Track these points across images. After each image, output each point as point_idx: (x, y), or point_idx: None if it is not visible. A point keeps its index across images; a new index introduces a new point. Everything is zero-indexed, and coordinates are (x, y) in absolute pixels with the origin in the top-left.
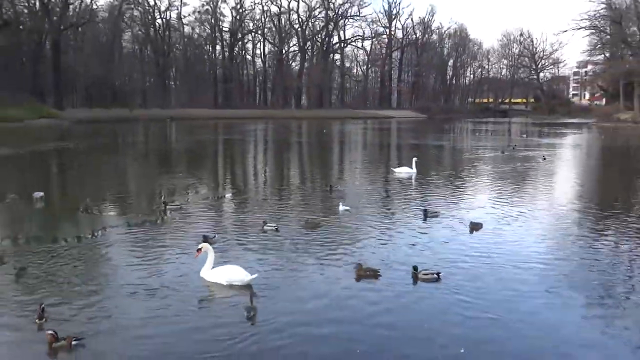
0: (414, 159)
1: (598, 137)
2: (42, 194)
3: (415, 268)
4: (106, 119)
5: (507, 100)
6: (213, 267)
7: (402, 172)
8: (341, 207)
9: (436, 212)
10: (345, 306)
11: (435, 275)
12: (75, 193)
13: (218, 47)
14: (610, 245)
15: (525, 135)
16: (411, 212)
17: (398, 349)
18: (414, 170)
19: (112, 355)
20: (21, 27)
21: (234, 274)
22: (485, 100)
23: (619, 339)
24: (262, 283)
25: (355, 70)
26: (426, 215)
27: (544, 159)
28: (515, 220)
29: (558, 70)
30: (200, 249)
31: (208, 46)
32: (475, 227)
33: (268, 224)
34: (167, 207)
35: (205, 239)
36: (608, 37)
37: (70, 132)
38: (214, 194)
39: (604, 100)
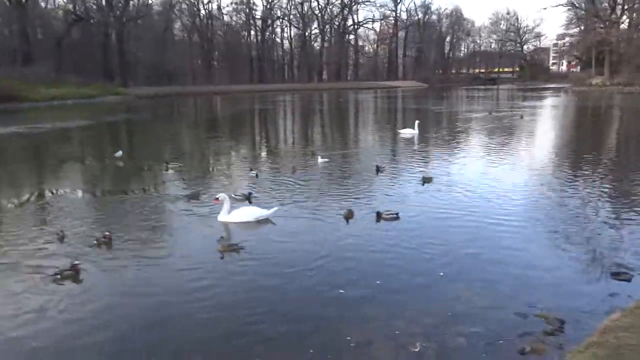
0: (417, 122)
1: (572, 99)
2: (121, 153)
3: (378, 213)
4: (163, 94)
5: (496, 70)
6: (230, 212)
7: (406, 132)
8: (319, 160)
9: (383, 166)
10: (333, 237)
11: (395, 215)
12: (144, 154)
13: (252, 32)
14: (577, 190)
15: (510, 100)
16: (406, 170)
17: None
18: (417, 131)
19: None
20: (91, 21)
21: (249, 213)
22: (477, 70)
23: (572, 265)
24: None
25: (367, 48)
26: (378, 170)
27: (522, 117)
28: (495, 168)
29: (540, 43)
30: (217, 198)
31: (244, 32)
32: (427, 180)
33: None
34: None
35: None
36: (583, 12)
37: (134, 106)
38: (252, 153)
39: (578, 67)
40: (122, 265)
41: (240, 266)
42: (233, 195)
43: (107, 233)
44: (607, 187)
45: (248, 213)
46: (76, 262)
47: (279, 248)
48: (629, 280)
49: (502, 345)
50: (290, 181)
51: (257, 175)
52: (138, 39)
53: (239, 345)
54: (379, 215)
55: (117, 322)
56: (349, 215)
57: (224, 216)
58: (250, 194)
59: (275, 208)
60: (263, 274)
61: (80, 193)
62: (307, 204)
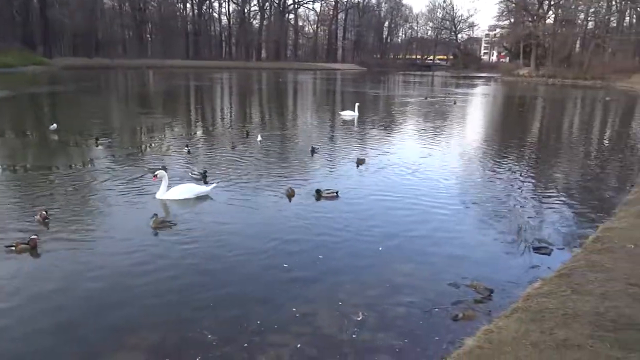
0: (356, 104)
1: (501, 88)
2: (56, 126)
3: (318, 191)
4: (90, 66)
5: (431, 57)
6: (168, 189)
7: (347, 114)
8: (259, 138)
9: (318, 147)
10: (275, 215)
11: (335, 193)
12: (72, 128)
13: (188, 5)
14: (504, 173)
15: (444, 86)
16: (346, 151)
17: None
18: (356, 113)
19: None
20: None
21: (187, 190)
22: (413, 57)
23: (499, 241)
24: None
25: (307, 29)
26: (313, 151)
27: (455, 103)
28: (429, 151)
29: (473, 33)
30: (156, 175)
31: (179, 4)
32: (360, 161)
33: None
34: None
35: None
36: (513, 5)
37: (59, 78)
38: (187, 130)
39: (508, 58)
40: (56, 248)
41: (181, 245)
42: (190, 175)
43: (34, 236)
44: (530, 170)
45: (187, 190)
46: (34, 236)
47: (220, 226)
48: (548, 254)
49: (437, 312)
50: (228, 159)
51: (189, 151)
52: (64, 4)
53: (185, 321)
54: (318, 193)
55: (55, 302)
56: (290, 194)
57: (162, 194)
58: (205, 172)
59: (214, 184)
60: (205, 252)
61: (1, 169)
62: (246, 182)
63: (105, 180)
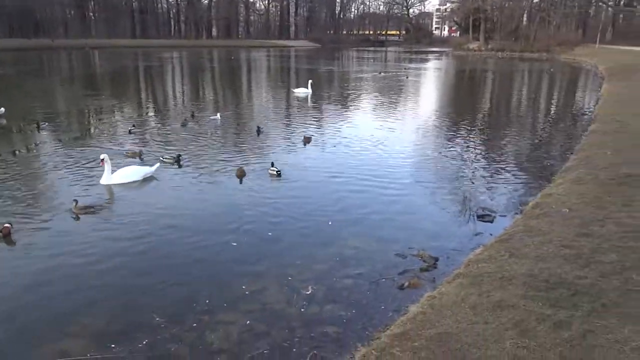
0: (310, 81)
1: (452, 62)
2: (3, 110)
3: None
4: (29, 47)
5: (384, 32)
6: (113, 173)
7: (300, 92)
8: (218, 116)
9: (261, 127)
10: (223, 195)
11: (277, 172)
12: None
13: None
14: (454, 147)
15: (398, 61)
16: (299, 129)
17: (267, 225)
18: (310, 90)
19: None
20: None
21: (134, 172)
22: (366, 32)
23: (446, 212)
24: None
25: (258, 5)
26: (259, 131)
27: (407, 77)
28: (382, 126)
29: (424, 7)
30: (103, 160)
31: None
32: (307, 139)
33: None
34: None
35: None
36: None
37: None
38: (136, 112)
39: (458, 33)
40: None
41: (128, 229)
42: (161, 159)
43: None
44: (479, 142)
45: (133, 172)
46: (7, 224)
47: (167, 207)
48: (491, 222)
49: (384, 282)
50: (176, 139)
51: (130, 131)
52: None
53: (131, 305)
54: (278, 173)
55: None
56: (240, 174)
57: (107, 178)
58: (179, 156)
59: (157, 164)
60: (151, 235)
61: None
62: (192, 162)
63: (49, 166)
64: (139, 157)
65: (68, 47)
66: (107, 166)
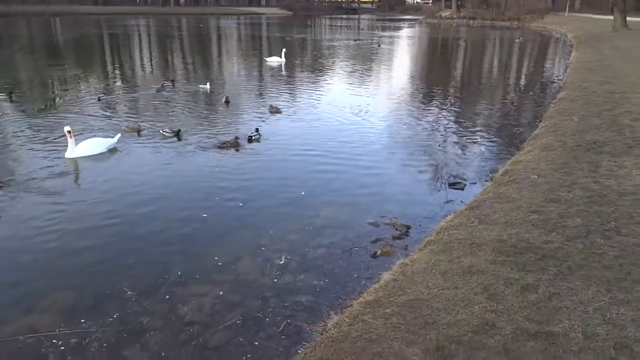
0: (283, 50)
1: (425, 30)
2: None
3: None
4: None
5: (357, 0)
6: (76, 146)
7: (273, 61)
8: (207, 85)
9: (229, 97)
10: (192, 167)
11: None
12: None
13: None
14: (427, 116)
15: (371, 29)
16: (268, 99)
17: (238, 196)
18: (283, 59)
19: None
20: None
21: (98, 144)
22: (339, 0)
23: (418, 181)
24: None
25: None
26: (227, 102)
27: (379, 46)
28: (354, 96)
29: None
30: (70, 131)
31: None
32: (274, 109)
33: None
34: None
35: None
36: None
37: None
38: (103, 82)
39: (431, 1)
40: None
41: (94, 203)
42: (162, 132)
43: None
44: (451, 111)
45: (97, 144)
46: None
47: (133, 179)
48: (462, 189)
49: (357, 251)
50: (144, 110)
51: (99, 98)
52: None
53: (101, 280)
54: (250, 139)
55: None
56: (233, 144)
57: (71, 152)
58: (179, 130)
59: (119, 135)
60: (118, 207)
61: None
62: (158, 133)
63: (13, 139)
64: (138, 133)
65: (27, 14)
66: (71, 139)
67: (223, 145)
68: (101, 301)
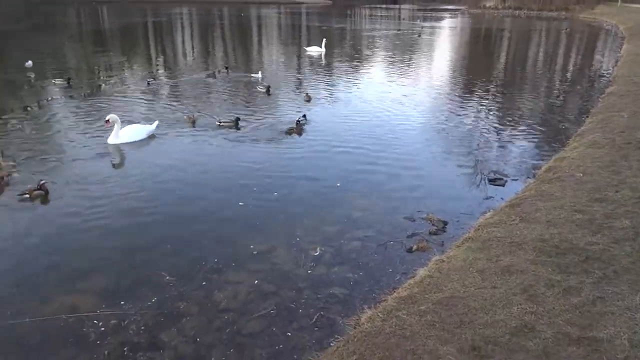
0: (323, 40)
1: (468, 21)
2: (31, 63)
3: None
4: (34, 2)
5: None
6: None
7: (313, 50)
8: (259, 74)
9: (271, 86)
10: (228, 153)
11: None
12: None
13: None
14: (469, 109)
15: (406, 19)
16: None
17: (274, 184)
18: (323, 49)
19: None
20: None
21: (139, 131)
22: None
23: (457, 175)
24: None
25: None
26: (268, 91)
27: (419, 36)
28: (395, 86)
29: None
30: (108, 120)
31: None
32: (308, 97)
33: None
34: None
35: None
36: None
37: (6, 13)
38: (146, 71)
39: None
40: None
41: (135, 189)
42: (217, 123)
43: (42, 182)
44: (493, 103)
45: (139, 131)
46: (42, 181)
47: (173, 166)
48: (503, 185)
49: (392, 245)
50: (190, 96)
51: (148, 83)
52: None
53: (140, 263)
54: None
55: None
56: (293, 131)
57: (114, 138)
58: (238, 119)
59: (157, 122)
60: (158, 194)
61: None
62: (202, 119)
63: (60, 124)
64: (192, 124)
65: (77, 2)
66: (117, 125)
67: (290, 131)
68: (140, 284)
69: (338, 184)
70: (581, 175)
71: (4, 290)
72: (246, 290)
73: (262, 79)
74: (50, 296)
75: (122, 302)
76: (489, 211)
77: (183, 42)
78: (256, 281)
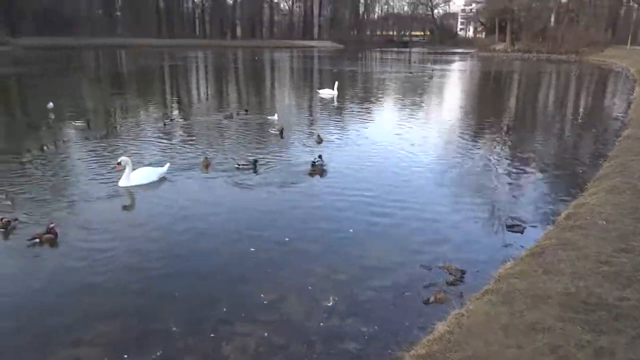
0: (336, 83)
1: (477, 64)
2: (52, 105)
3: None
4: (56, 46)
5: (407, 33)
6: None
7: (325, 93)
8: (275, 117)
9: (284, 128)
10: (240, 197)
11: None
12: (37, 111)
13: None
14: (480, 151)
15: (422, 63)
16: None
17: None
18: (336, 92)
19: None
20: None
21: (150, 173)
22: (390, 33)
23: (473, 221)
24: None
25: (282, 5)
26: (281, 133)
27: (431, 79)
28: (406, 129)
29: (449, 8)
30: (119, 163)
31: None
32: (319, 140)
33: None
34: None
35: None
36: None
37: (22, 59)
38: (162, 112)
39: (484, 33)
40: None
41: (143, 232)
42: (236, 165)
43: (52, 225)
44: (506, 147)
45: (148, 174)
46: (51, 224)
47: (184, 210)
48: (521, 232)
49: (408, 296)
50: (202, 139)
51: (165, 124)
52: None
53: (147, 312)
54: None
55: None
56: (316, 172)
57: (125, 181)
58: (256, 161)
59: (168, 164)
60: (167, 239)
61: None
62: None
63: (72, 164)
64: (206, 167)
65: (94, 47)
66: (128, 168)
67: (313, 172)
68: (146, 335)
69: (351, 230)
70: (604, 222)
71: (7, 338)
72: (255, 342)
73: (278, 121)
74: (54, 346)
75: (126, 355)
76: (509, 260)
77: (198, 84)
78: (266, 333)
